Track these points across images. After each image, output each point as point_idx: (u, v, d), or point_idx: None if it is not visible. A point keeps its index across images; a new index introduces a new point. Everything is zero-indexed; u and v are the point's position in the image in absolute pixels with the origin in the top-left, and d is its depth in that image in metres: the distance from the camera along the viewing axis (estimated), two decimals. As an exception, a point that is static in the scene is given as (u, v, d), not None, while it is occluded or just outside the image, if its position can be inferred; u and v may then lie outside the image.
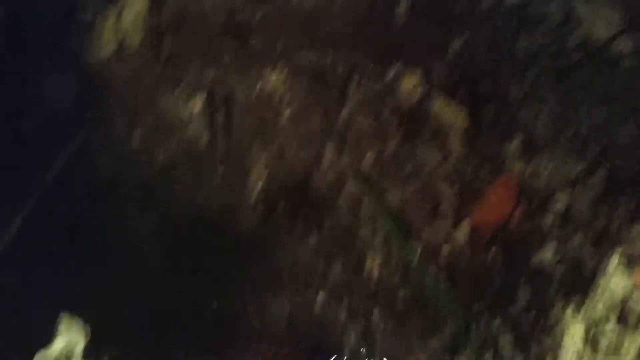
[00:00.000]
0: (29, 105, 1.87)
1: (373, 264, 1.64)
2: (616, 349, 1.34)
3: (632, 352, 1.33)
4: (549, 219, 1.65)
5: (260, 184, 1.75)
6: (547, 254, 1.58)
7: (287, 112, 1.82)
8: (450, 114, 1.77)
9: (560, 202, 1.65)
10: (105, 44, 1.88)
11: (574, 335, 1.40)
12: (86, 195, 1.77)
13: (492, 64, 1.84)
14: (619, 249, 1.45)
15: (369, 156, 1.73)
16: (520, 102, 1.76)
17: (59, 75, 1.89)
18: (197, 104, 1.84)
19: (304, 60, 1.86)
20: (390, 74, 1.82)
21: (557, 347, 1.42)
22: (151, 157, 1.80)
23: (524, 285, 1.56)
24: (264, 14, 1.94)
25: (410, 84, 1.80)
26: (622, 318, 1.37)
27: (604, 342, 1.36)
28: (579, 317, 1.41)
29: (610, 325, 1.36)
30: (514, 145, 1.72)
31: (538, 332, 1.48)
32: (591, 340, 1.37)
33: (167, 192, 1.77)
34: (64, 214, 1.74)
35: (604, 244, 1.55)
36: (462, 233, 1.64)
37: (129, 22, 1.89)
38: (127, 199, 1.76)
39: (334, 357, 1.54)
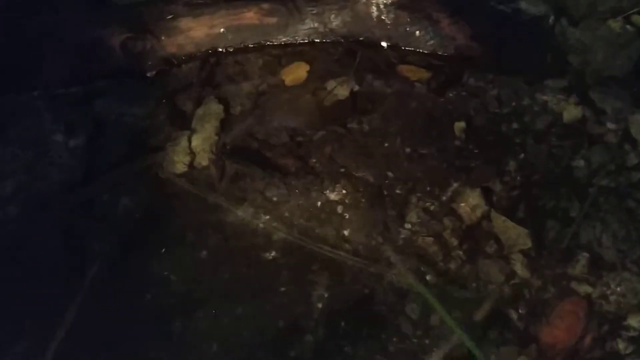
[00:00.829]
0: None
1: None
2: None
3: None
4: (622, 345, 1.60)
5: (320, 305, 1.76)
6: (622, 383, 1.53)
7: (346, 232, 1.87)
8: (511, 234, 1.78)
9: (632, 326, 1.61)
10: (176, 164, 1.99)
11: None
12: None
13: (550, 183, 1.87)
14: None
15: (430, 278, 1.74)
16: (581, 222, 1.76)
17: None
18: (261, 221, 1.91)
19: (362, 180, 1.93)
20: (449, 194, 1.87)
21: None
22: (217, 274, 1.85)
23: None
24: (323, 136, 2.05)
25: (469, 205, 1.83)
26: None
27: None
28: None
29: None
30: (579, 266, 1.71)
31: None
32: None
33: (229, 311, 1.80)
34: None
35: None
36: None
37: (199, 145, 2.02)
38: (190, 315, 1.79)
39: None
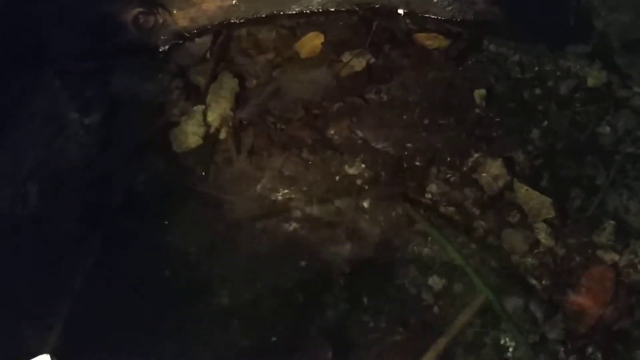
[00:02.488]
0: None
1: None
2: None
3: None
4: (650, 314, 1.57)
5: (341, 281, 1.74)
6: (651, 352, 1.50)
7: (366, 203, 1.84)
8: (534, 203, 1.74)
9: (660, 295, 1.58)
10: (191, 137, 1.98)
11: None
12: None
13: (574, 150, 1.82)
14: None
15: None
16: (607, 190, 1.72)
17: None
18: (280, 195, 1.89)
19: (382, 152, 1.90)
20: (469, 164, 1.83)
21: None
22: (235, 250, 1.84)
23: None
24: (339, 107, 2.01)
25: (491, 175, 1.80)
26: None
27: None
28: None
29: None
30: (606, 234, 1.67)
31: None
32: None
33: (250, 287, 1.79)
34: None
35: None
36: (555, 330, 1.58)
37: (214, 119, 2.00)
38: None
39: None
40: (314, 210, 1.83)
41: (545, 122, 1.88)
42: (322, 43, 2.13)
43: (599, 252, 1.66)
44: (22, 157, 1.89)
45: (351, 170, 1.89)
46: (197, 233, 1.83)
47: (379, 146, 1.91)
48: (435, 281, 1.68)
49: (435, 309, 1.65)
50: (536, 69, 1.97)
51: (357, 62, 2.09)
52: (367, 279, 1.72)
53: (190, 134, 1.97)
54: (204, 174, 1.90)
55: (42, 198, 1.86)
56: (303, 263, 1.75)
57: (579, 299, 1.61)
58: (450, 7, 1.99)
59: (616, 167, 1.74)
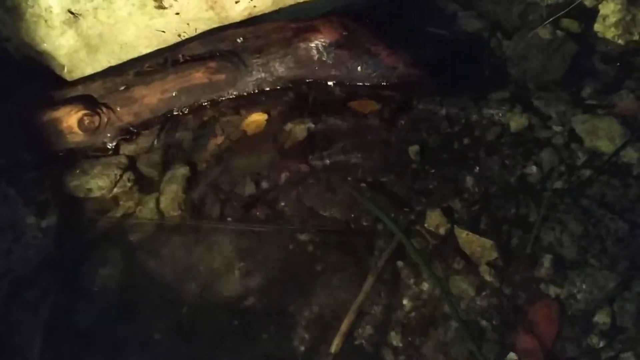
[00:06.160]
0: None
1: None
2: None
3: None
4: (595, 340, 1.64)
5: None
6: (601, 378, 1.56)
7: (319, 268, 1.91)
8: (476, 247, 1.83)
9: (602, 321, 1.65)
10: (147, 226, 2.05)
11: None
12: None
13: (507, 192, 1.92)
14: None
15: (406, 302, 1.78)
16: (540, 226, 1.81)
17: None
18: (237, 268, 1.95)
19: (329, 218, 1.98)
20: (412, 217, 1.93)
21: None
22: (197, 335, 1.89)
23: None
24: (287, 177, 2.11)
25: (432, 225, 1.89)
26: None
27: None
28: None
29: None
30: (544, 269, 1.75)
31: None
32: None
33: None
34: None
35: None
36: (510, 367, 1.64)
37: (167, 204, 2.08)
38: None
39: None
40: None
41: (477, 169, 1.99)
42: (266, 120, 2.25)
43: (542, 287, 1.75)
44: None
45: (302, 237, 1.97)
46: (160, 318, 1.88)
47: (327, 213, 2.01)
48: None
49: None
50: (463, 120, 2.09)
51: (300, 131, 2.20)
52: None
53: (147, 222, 2.05)
54: (160, 261, 1.97)
55: (4, 306, 1.90)
56: (265, 335, 1.81)
57: (528, 336, 1.68)
58: (375, 74, 2.12)
59: (546, 203, 1.84)
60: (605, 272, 1.70)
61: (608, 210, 1.80)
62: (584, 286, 1.70)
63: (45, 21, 2.13)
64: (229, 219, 2.03)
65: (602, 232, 1.77)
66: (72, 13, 2.14)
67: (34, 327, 1.87)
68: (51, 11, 2.12)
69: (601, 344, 1.62)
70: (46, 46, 2.18)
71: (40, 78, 2.24)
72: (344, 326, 1.74)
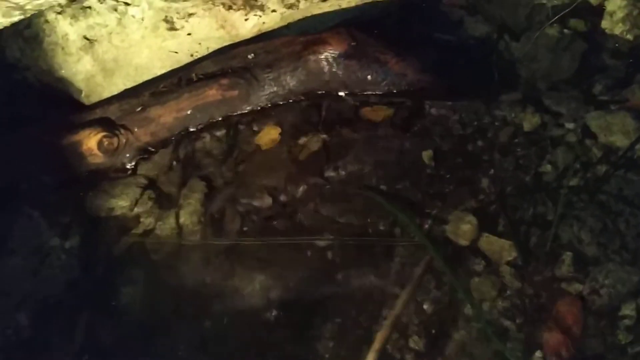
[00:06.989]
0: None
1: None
2: None
3: None
4: (621, 335, 1.62)
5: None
6: (628, 373, 1.55)
7: (339, 276, 1.92)
8: (495, 248, 1.83)
9: (628, 315, 1.64)
10: (167, 242, 2.08)
11: None
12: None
13: (523, 192, 1.92)
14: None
15: (427, 307, 1.79)
16: (558, 224, 1.81)
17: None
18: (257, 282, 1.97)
19: (348, 226, 2.00)
20: (429, 222, 1.93)
21: None
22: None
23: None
24: (304, 190, 2.13)
25: (450, 229, 1.89)
26: None
27: None
28: None
29: None
30: (565, 267, 1.75)
31: None
32: None
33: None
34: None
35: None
36: (536, 367, 1.63)
37: (186, 218, 2.11)
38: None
39: None
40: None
41: (492, 170, 1.99)
42: (279, 133, 2.28)
43: (564, 285, 1.74)
44: (9, 292, 1.98)
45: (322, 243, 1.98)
46: (184, 335, 1.90)
47: (343, 220, 2.02)
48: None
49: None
50: (475, 123, 2.10)
51: (314, 143, 2.22)
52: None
53: (167, 238, 2.08)
54: (181, 277, 2.00)
55: (33, 328, 1.93)
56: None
57: (554, 334, 1.67)
58: (385, 82, 2.15)
59: (562, 201, 1.84)
60: (627, 267, 1.69)
61: (627, 205, 1.79)
62: (606, 282, 1.69)
63: (62, 48, 2.20)
64: (246, 229, 2.05)
65: (621, 227, 1.76)
66: (87, 39, 2.21)
67: (68, 352, 1.91)
68: (67, 38, 2.19)
69: (628, 339, 1.61)
70: (64, 72, 2.25)
71: (59, 103, 2.31)
72: (377, 343, 1.72)
